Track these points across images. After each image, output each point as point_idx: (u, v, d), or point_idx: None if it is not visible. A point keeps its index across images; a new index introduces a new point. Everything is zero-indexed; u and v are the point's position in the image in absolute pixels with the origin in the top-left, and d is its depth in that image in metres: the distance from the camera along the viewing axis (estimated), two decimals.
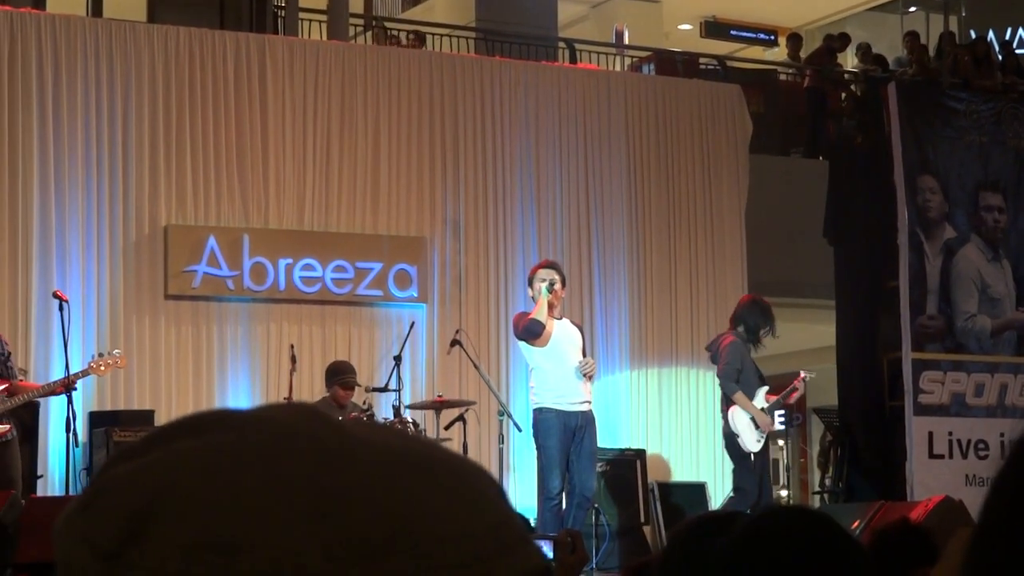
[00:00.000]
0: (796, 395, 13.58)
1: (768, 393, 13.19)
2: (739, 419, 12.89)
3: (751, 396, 12.93)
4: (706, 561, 2.30)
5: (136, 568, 0.97)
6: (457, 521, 1.03)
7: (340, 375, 13.29)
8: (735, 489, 13.34)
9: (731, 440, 12.99)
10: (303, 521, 0.99)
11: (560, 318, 12.40)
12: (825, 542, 2.35)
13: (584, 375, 12.23)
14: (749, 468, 12.92)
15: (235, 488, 1.00)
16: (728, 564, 2.28)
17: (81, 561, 1.00)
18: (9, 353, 11.70)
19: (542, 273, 12.37)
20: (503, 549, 1.04)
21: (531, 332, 12.20)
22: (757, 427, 12.87)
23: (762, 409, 12.98)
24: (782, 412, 27.24)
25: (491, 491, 1.09)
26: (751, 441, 12.85)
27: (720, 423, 13.39)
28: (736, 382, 12.88)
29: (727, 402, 12.99)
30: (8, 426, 11.35)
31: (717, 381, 13.29)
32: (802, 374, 13.69)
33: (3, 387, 11.39)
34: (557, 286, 12.25)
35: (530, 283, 12.49)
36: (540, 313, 12.16)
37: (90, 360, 11.98)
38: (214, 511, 0.98)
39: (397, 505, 1.02)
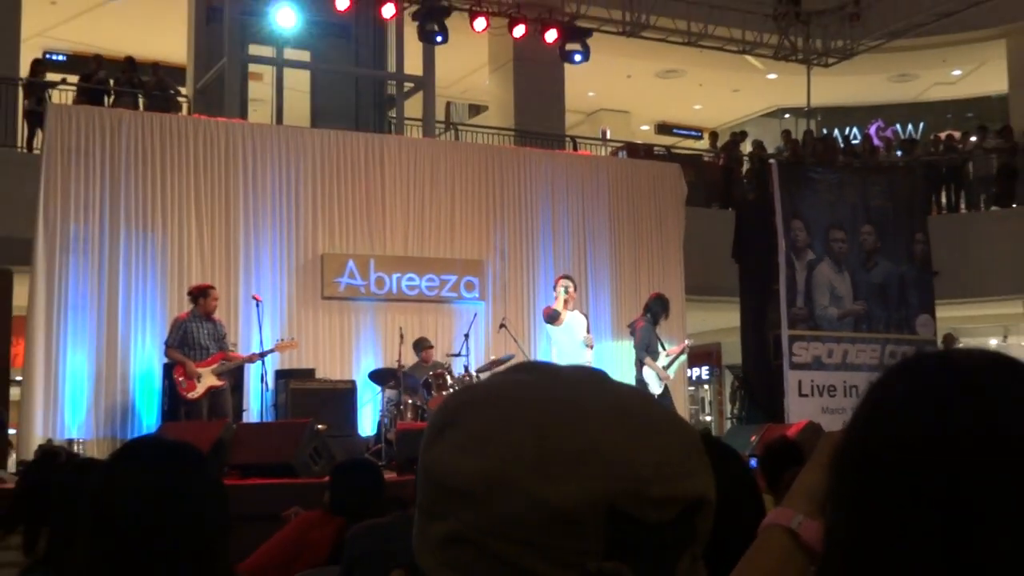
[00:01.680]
0: (686, 350, 13.62)
1: (669, 349, 13.06)
2: (648, 375, 12.66)
3: (655, 359, 12.73)
4: None
5: (440, 445, 1.00)
6: (636, 451, 0.97)
7: (419, 346, 13.17)
8: None
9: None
10: (523, 433, 0.97)
11: (573, 310, 12.41)
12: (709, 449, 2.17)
13: (587, 345, 12.21)
14: None
15: (493, 409, 0.99)
16: None
17: (427, 433, 1.03)
18: (225, 334, 11.79)
19: (562, 282, 12.47)
20: (665, 477, 0.98)
21: (551, 317, 12.31)
22: (660, 380, 12.64)
23: (664, 367, 12.78)
24: (708, 368, 27.23)
25: (677, 438, 1.01)
26: (655, 390, 12.59)
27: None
28: (645, 351, 12.68)
29: (640, 364, 12.76)
30: (224, 381, 11.47)
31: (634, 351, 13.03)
32: (686, 341, 13.83)
33: (222, 357, 11.51)
34: (571, 288, 12.36)
35: (555, 288, 12.58)
36: (558, 305, 12.26)
37: (276, 342, 12.14)
38: (476, 421, 0.99)
39: (597, 435, 0.97)
